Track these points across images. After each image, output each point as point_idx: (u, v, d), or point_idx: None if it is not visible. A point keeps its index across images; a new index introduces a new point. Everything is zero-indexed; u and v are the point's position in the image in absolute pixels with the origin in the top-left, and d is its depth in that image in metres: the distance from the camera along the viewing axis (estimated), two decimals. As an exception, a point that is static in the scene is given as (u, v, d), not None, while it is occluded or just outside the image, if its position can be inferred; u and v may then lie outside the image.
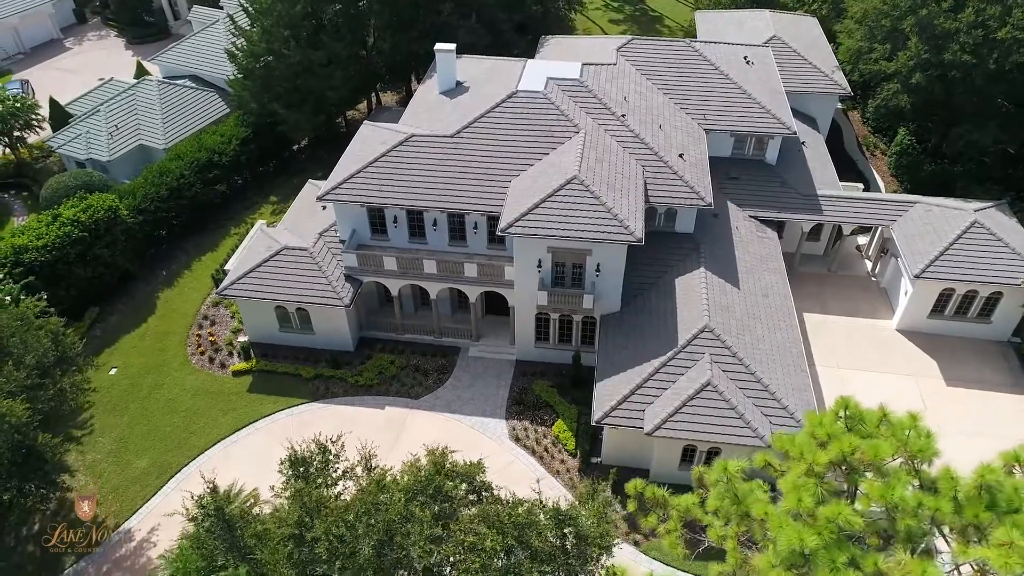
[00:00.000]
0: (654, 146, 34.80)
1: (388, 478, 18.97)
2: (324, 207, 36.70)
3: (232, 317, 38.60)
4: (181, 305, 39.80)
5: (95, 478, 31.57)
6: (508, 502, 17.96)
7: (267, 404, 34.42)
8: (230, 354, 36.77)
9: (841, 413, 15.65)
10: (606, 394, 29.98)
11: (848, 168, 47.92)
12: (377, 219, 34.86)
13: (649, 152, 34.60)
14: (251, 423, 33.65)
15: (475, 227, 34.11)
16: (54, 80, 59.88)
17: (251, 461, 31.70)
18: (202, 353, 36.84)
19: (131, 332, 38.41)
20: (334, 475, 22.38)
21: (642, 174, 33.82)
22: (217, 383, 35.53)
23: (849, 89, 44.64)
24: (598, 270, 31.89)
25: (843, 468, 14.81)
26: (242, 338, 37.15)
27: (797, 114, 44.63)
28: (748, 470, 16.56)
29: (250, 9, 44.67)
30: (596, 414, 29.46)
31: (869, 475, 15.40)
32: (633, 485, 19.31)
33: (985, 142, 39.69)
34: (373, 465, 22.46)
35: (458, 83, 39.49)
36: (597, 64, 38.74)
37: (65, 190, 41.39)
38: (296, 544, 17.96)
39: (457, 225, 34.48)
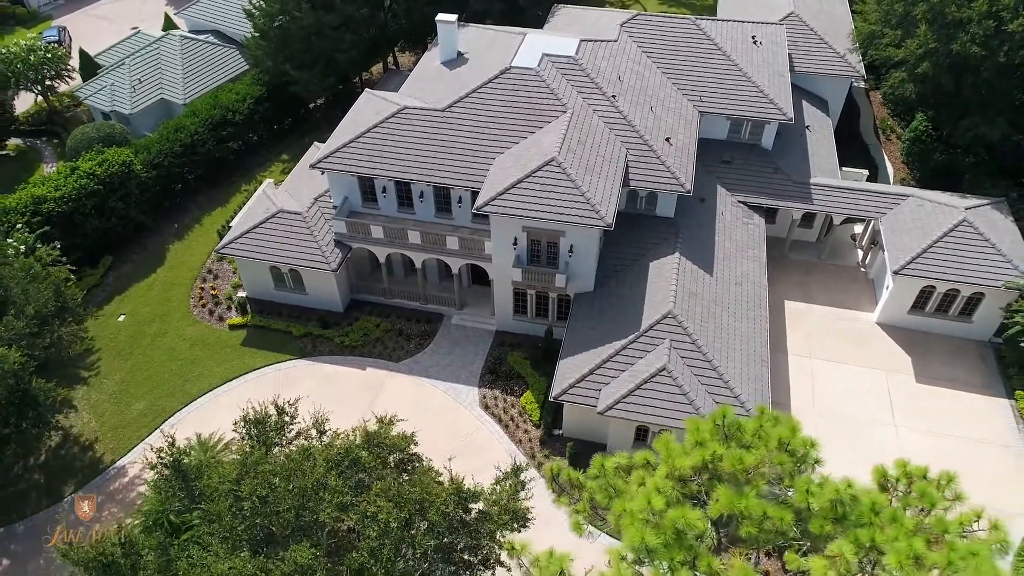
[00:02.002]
0: (641, 129, 35.06)
1: (317, 445, 20.68)
2: (323, 172, 38.05)
3: (234, 273, 40.69)
4: (189, 258, 42.07)
5: (96, 417, 34.40)
6: (411, 477, 19.54)
7: (258, 358, 36.62)
8: (228, 308, 38.99)
9: (719, 421, 16.65)
10: (567, 371, 31.21)
11: (860, 153, 47.11)
12: (368, 188, 36.18)
13: (635, 135, 34.90)
14: (241, 375, 35.92)
15: (460, 201, 35.17)
16: (91, 27, 62.12)
17: (239, 411, 33.81)
18: (203, 306, 39.13)
19: (141, 281, 40.88)
20: (288, 435, 24.38)
21: (625, 157, 34.25)
22: (214, 335, 37.85)
23: (863, 72, 43.68)
24: (571, 251, 32.77)
25: (706, 475, 15.87)
26: (240, 293, 39.29)
27: (808, 95, 44.10)
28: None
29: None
30: (555, 390, 30.78)
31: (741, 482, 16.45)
32: (550, 468, 20.75)
33: (993, 137, 38.68)
34: (326, 428, 24.38)
35: (459, 54, 40.05)
36: (597, 40, 38.77)
37: (88, 141, 43.60)
38: (234, 499, 19.91)
39: (443, 198, 35.58)
